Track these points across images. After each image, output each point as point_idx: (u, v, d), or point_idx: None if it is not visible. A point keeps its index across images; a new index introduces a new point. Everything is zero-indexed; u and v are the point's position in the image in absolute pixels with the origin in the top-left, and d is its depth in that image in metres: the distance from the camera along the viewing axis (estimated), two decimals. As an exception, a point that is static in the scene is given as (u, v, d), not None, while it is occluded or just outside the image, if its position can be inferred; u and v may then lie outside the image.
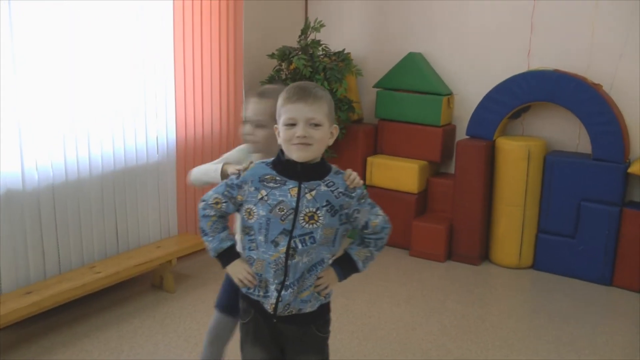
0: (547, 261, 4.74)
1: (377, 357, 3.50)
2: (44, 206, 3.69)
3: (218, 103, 4.72)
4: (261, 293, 2.14)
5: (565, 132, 4.86)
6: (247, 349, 2.28)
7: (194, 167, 4.43)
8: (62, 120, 3.73)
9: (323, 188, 2.07)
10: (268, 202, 2.06)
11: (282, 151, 2.11)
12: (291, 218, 2.04)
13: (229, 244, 2.20)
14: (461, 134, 5.12)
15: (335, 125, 2.13)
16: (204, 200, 2.20)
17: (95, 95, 3.90)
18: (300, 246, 2.05)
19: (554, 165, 4.62)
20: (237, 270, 2.17)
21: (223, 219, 2.21)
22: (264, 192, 2.07)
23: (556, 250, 4.69)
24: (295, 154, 2.05)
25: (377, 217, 2.17)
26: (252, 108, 2.52)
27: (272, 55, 5.11)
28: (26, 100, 3.53)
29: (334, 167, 2.15)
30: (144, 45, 4.18)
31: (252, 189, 2.09)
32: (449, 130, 5.19)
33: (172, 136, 4.44)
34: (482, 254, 4.97)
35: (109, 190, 4.07)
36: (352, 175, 2.14)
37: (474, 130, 4.91)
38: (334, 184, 2.09)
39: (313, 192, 2.06)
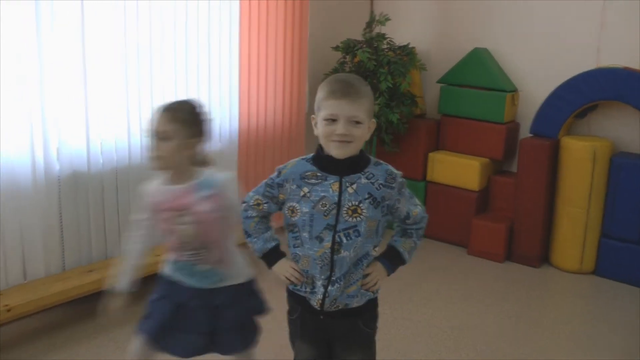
0: (610, 267, 4.59)
1: (430, 356, 3.46)
2: (107, 188, 3.80)
3: (281, 95, 4.74)
4: (308, 289, 2.14)
5: (634, 133, 4.69)
6: (296, 345, 2.30)
7: (255, 156, 4.57)
8: (127, 105, 3.81)
9: (363, 181, 2.06)
10: (310, 198, 2.05)
11: (321, 146, 2.09)
12: (334, 213, 2.03)
13: (273, 244, 2.22)
14: (525, 132, 5.02)
15: (373, 120, 2.11)
16: (245, 202, 2.22)
17: (161, 83, 3.97)
18: (345, 240, 2.04)
19: (621, 168, 4.47)
20: (283, 269, 2.18)
21: (266, 219, 2.23)
22: (306, 189, 2.07)
23: (620, 256, 4.53)
24: (334, 151, 2.03)
25: (417, 207, 2.19)
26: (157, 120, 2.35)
27: (336, 48, 5.11)
28: (94, 84, 3.63)
29: (373, 158, 2.13)
30: (211, 35, 4.24)
31: (294, 186, 2.09)
32: (513, 127, 5.08)
33: (235, 126, 4.49)
34: (542, 256, 4.85)
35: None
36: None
37: (538, 129, 4.79)
38: (373, 175, 2.08)
39: (354, 186, 2.05)
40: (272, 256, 2.21)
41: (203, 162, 2.42)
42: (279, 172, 2.13)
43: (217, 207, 2.33)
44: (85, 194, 3.69)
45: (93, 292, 3.58)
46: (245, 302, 2.54)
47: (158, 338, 2.47)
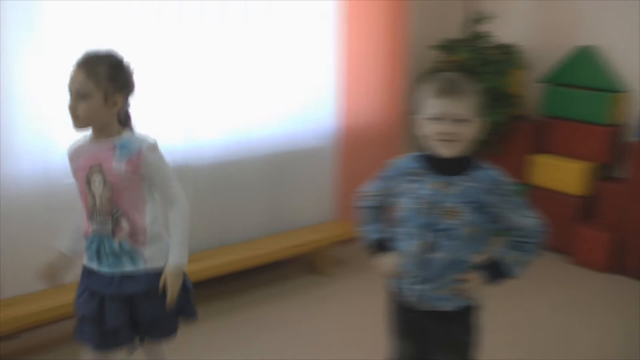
0: None
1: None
2: (211, 182, 3.88)
3: (380, 93, 4.69)
4: (402, 285, 2.15)
5: None
6: (393, 340, 2.30)
7: (353, 155, 4.52)
8: (230, 102, 3.90)
9: (467, 183, 2.02)
10: (412, 195, 2.07)
11: (427, 144, 2.08)
12: (431, 212, 2.02)
13: (379, 236, 2.23)
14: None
15: (483, 119, 2.06)
16: (362, 192, 2.27)
17: (260, 80, 4.02)
18: (439, 241, 2.02)
19: None
20: (384, 262, 2.19)
21: (378, 211, 2.25)
22: (409, 186, 2.09)
23: None
24: (441, 150, 2.02)
25: (527, 219, 2.07)
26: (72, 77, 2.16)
27: (435, 47, 5.00)
28: (193, 80, 3.73)
29: (482, 162, 2.08)
30: (311, 33, 4.25)
31: (400, 182, 2.12)
32: (622, 130, 4.82)
33: (333, 124, 4.49)
34: (654, 270, 4.54)
35: (269, 171, 4.20)
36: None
37: (648, 132, 4.54)
38: (478, 179, 2.03)
39: (455, 187, 2.02)
40: (376, 247, 2.23)
41: (127, 119, 2.27)
42: (390, 166, 2.18)
43: (132, 170, 2.15)
44: (193, 186, 3.76)
45: (193, 281, 3.62)
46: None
47: (101, 342, 2.26)
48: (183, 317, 2.36)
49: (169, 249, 2.23)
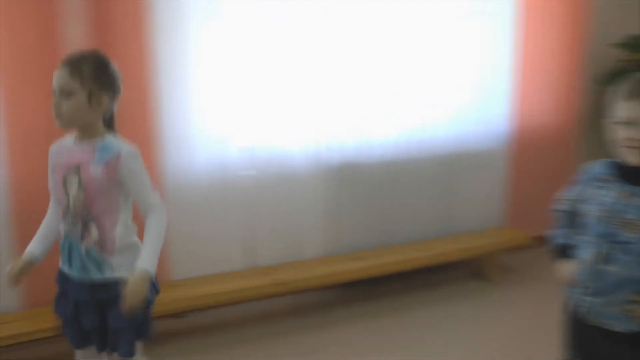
0: None
1: None
2: (381, 180, 3.89)
3: (556, 95, 4.48)
4: (574, 295, 2.07)
5: None
6: (564, 351, 2.22)
7: (526, 158, 4.36)
8: (404, 101, 3.89)
9: None
10: (596, 202, 1.98)
11: (615, 150, 1.97)
12: (611, 222, 1.92)
13: (565, 241, 2.15)
14: None
15: None
16: (560, 196, 2.21)
17: (436, 80, 3.98)
18: (614, 253, 1.90)
19: None
20: (562, 268, 2.12)
21: (569, 215, 2.16)
22: (596, 192, 1.99)
23: None
24: (628, 157, 1.91)
25: None
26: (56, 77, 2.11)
27: (617, 45, 4.70)
28: (374, 80, 3.76)
29: None
30: (486, 33, 4.15)
31: (590, 187, 2.03)
32: None
33: (507, 126, 4.35)
34: None
35: (439, 172, 4.14)
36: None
37: None
38: None
39: (638, 199, 1.89)
40: (559, 253, 2.17)
41: (111, 122, 2.21)
42: (583, 171, 2.10)
43: (108, 175, 2.10)
44: (359, 183, 3.83)
45: (358, 278, 3.73)
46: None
47: (81, 342, 2.27)
48: (139, 335, 2.26)
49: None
